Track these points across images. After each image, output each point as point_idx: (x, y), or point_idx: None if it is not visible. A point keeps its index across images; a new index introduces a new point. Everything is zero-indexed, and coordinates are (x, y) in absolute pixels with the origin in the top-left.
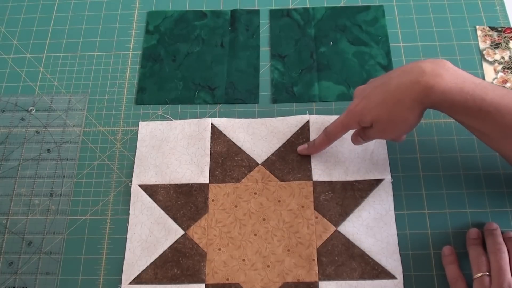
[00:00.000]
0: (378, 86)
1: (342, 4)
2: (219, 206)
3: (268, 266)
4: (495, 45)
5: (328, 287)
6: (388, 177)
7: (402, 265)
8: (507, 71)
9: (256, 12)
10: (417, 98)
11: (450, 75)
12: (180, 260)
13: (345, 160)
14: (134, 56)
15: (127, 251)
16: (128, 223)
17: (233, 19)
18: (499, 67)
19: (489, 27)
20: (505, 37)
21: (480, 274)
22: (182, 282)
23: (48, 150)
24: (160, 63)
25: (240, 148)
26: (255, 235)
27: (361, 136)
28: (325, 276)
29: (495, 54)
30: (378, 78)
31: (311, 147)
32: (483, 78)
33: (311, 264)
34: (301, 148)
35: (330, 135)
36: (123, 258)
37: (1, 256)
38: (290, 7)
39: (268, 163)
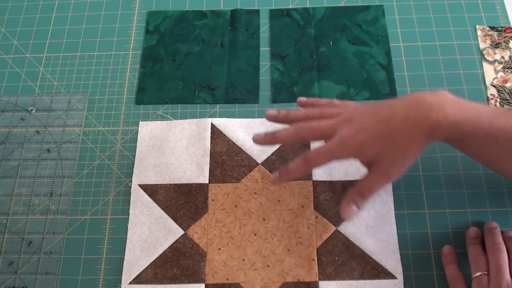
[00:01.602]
0: (380, 120)
1: (342, 4)
2: (219, 206)
3: (268, 266)
4: (495, 45)
5: (328, 287)
6: None
7: (402, 265)
8: (507, 71)
9: (256, 12)
10: (428, 132)
11: (454, 106)
12: (180, 260)
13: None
14: (134, 56)
15: (127, 251)
16: (128, 223)
17: (233, 19)
18: (499, 67)
19: (489, 27)
20: (505, 37)
21: (478, 273)
22: (182, 282)
23: (48, 150)
24: (160, 63)
25: (240, 148)
26: (255, 235)
27: (359, 197)
28: (325, 276)
29: (495, 54)
30: (372, 107)
31: (283, 173)
32: (483, 78)
33: (311, 264)
34: (273, 177)
35: (311, 163)
36: (123, 258)
37: (1, 256)
38: (290, 7)
39: (268, 163)
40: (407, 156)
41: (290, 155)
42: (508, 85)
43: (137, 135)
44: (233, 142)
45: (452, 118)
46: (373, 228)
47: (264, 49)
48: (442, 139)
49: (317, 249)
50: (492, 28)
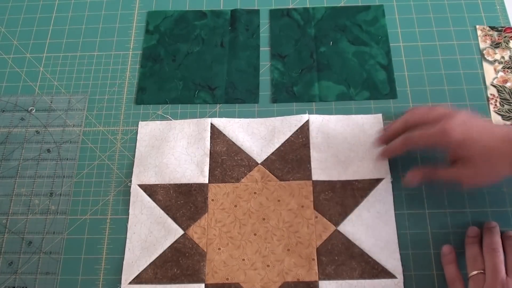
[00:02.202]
0: (485, 128)
1: (342, 4)
2: (218, 205)
3: (268, 266)
4: (495, 45)
5: (328, 286)
6: (388, 177)
7: (402, 265)
8: (507, 71)
9: (256, 12)
10: None
11: None
12: (180, 260)
13: (345, 159)
14: (134, 56)
15: (126, 251)
16: (128, 223)
17: (233, 19)
18: (499, 67)
19: (489, 26)
20: (505, 36)
21: (475, 272)
22: (182, 282)
23: (48, 150)
24: (160, 63)
25: (239, 147)
26: (255, 234)
27: (429, 174)
28: (325, 275)
29: (495, 53)
30: (476, 126)
31: (387, 151)
32: (484, 78)
33: (311, 264)
34: (382, 150)
35: (409, 143)
36: (123, 258)
37: (1, 256)
38: (290, 7)
39: (268, 163)
40: (492, 172)
41: (289, 155)
42: (508, 85)
43: (137, 135)
44: (232, 142)
45: None
46: (373, 228)
47: (264, 49)
48: None
49: (317, 248)
50: (492, 28)
